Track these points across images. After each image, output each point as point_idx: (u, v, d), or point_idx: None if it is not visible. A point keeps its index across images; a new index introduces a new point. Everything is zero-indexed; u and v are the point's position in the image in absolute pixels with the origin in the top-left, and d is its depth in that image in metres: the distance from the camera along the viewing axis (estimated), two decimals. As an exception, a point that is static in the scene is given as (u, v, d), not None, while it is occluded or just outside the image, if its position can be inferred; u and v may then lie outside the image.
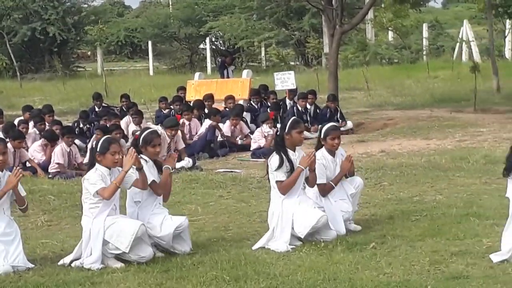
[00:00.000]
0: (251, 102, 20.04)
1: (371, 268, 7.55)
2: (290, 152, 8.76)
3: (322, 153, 9.20)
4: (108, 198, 8.03)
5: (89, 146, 14.47)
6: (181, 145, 14.96)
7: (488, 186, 11.39)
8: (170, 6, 51.88)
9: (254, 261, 7.97)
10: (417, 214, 9.80)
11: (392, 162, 13.82)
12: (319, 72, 28.95)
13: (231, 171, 13.92)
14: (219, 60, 27.99)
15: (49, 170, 14.01)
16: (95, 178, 8.10)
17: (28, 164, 14.40)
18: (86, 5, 48.71)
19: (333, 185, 9.15)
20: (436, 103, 23.47)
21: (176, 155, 8.95)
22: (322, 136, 9.28)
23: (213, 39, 46.01)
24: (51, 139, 14.67)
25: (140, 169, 8.24)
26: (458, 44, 37.53)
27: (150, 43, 45.13)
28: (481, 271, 7.30)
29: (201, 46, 47.33)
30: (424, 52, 38.23)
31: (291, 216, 8.59)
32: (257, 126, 17.29)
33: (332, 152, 9.25)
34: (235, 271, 7.60)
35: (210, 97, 19.00)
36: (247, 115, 18.87)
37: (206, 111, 17.90)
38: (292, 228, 8.60)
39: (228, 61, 25.59)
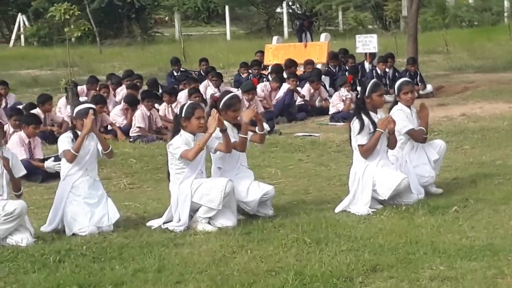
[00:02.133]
0: (329, 66, 19.95)
1: (454, 232, 7.47)
2: (372, 114, 8.71)
3: (400, 106, 9.18)
4: (191, 159, 8.06)
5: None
6: (260, 109, 14.98)
7: None
8: (248, -29, 51.73)
9: (335, 224, 7.96)
10: (500, 177, 9.66)
11: (474, 126, 13.64)
12: (397, 36, 28.61)
13: (310, 135, 13.91)
14: (297, 23, 27.79)
15: (130, 134, 14.18)
16: (179, 143, 8.15)
17: (109, 128, 14.62)
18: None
19: (424, 130, 9.10)
20: (518, 65, 23.04)
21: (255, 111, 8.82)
22: (396, 93, 9.27)
23: (290, 3, 45.77)
24: (131, 103, 14.84)
25: (224, 130, 8.24)
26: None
27: (227, 7, 45.15)
28: None
29: (278, 10, 47.13)
30: (506, 14, 37.43)
31: (372, 178, 8.55)
32: (335, 90, 17.23)
33: (408, 107, 9.19)
34: (316, 233, 7.60)
35: (293, 63, 18.90)
36: (325, 79, 18.82)
37: (285, 75, 17.87)
38: (375, 191, 8.56)
39: (306, 25, 25.45)
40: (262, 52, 21.76)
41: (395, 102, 9.29)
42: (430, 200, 8.72)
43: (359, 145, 8.63)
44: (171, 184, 8.29)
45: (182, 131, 8.24)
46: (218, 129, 8.15)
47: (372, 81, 9.01)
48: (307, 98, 16.89)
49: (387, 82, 18.53)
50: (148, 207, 9.20)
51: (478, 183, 9.49)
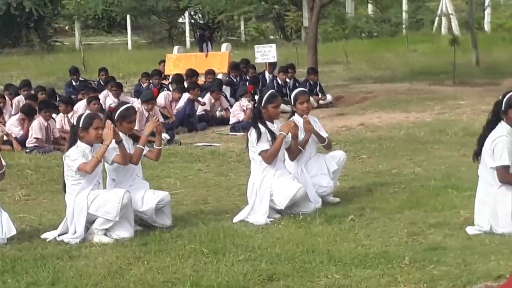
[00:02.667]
0: (230, 76, 19.99)
1: (350, 240, 7.55)
2: (269, 124, 8.75)
3: (296, 118, 9.22)
4: (90, 172, 7.97)
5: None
6: (160, 119, 14.87)
7: (466, 158, 11.34)
8: (148, -21, 51.45)
9: (232, 234, 7.96)
10: (396, 186, 9.82)
11: (371, 135, 13.84)
12: (298, 46, 28.87)
13: (210, 145, 13.90)
14: (198, 34, 27.80)
15: (27, 145, 13.93)
16: (76, 155, 8.03)
17: (5, 138, 14.29)
18: (63, -21, 48.22)
19: (301, 149, 9.12)
20: (415, 76, 23.49)
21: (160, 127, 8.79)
22: (292, 102, 9.33)
23: (192, 13, 45.71)
24: (28, 113, 14.57)
25: (119, 142, 8.17)
26: (437, 17, 37.51)
27: (128, 17, 44.79)
28: (458, 242, 7.32)
29: (180, 20, 47.02)
30: (404, 26, 38.18)
31: (269, 188, 8.59)
32: (236, 100, 17.26)
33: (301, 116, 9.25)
34: (213, 244, 7.59)
35: (194, 73, 18.86)
36: (226, 89, 18.82)
37: (186, 85, 17.81)
38: (272, 201, 8.60)
39: (207, 35, 25.48)
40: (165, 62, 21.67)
41: (293, 113, 9.35)
42: (327, 209, 8.80)
43: (262, 151, 8.64)
44: (67, 195, 8.16)
45: (79, 142, 8.12)
46: (114, 140, 8.07)
47: (269, 92, 9.04)
48: (208, 108, 16.88)
49: (288, 92, 18.64)
50: (43, 219, 9.03)
51: (374, 192, 9.62)
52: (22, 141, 14.12)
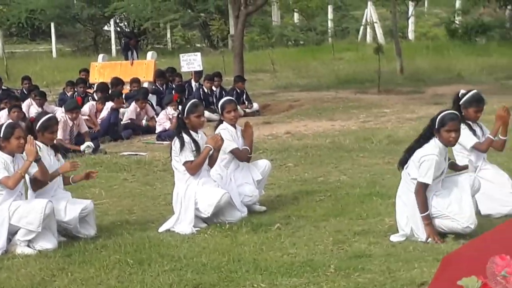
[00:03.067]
0: (156, 84, 19.90)
1: (276, 249, 7.55)
2: (193, 133, 8.74)
3: (225, 125, 9.25)
4: (12, 188, 7.85)
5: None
6: (84, 128, 14.72)
7: (390, 166, 11.49)
8: (73, -13, 50.97)
9: (158, 244, 7.90)
10: (322, 194, 9.87)
11: (297, 143, 13.89)
12: (225, 54, 28.90)
13: (136, 154, 13.79)
14: (124, 42, 27.60)
15: None
16: None
17: None
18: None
19: (249, 150, 9.22)
20: (341, 84, 23.72)
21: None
22: (220, 111, 9.35)
23: (118, 21, 45.40)
24: None
25: (37, 160, 8.03)
26: (362, 26, 37.95)
27: (52, 24, 44.29)
28: (383, 249, 7.38)
29: (106, 28, 46.66)
30: (330, 34, 38.55)
31: (193, 197, 8.56)
32: (162, 109, 17.18)
33: (232, 125, 9.27)
34: (139, 254, 7.52)
35: (119, 81, 18.74)
36: (152, 98, 18.73)
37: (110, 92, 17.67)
38: (197, 209, 8.57)
39: (132, 43, 25.30)
40: (87, 71, 21.45)
41: (220, 121, 9.34)
42: (253, 217, 8.79)
43: (186, 162, 8.61)
44: None
45: (0, 153, 7.97)
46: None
47: (190, 102, 9.00)
48: (133, 117, 16.76)
49: (214, 100, 18.64)
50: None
51: (301, 200, 9.65)
52: None
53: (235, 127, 9.32)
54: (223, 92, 19.19)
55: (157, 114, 17.14)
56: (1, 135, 7.97)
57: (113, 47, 42.55)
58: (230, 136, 9.15)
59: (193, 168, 8.64)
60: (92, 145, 14.13)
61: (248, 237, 8.00)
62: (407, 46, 30.15)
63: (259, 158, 10.50)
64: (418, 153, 7.63)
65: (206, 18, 41.20)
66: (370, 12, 36.75)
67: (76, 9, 44.95)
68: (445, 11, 39.89)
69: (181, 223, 8.52)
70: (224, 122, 9.29)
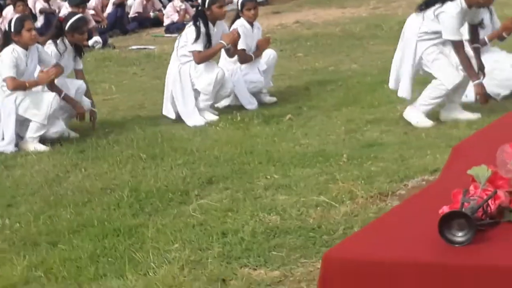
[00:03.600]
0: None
1: (288, 140, 7.53)
2: (210, 25, 8.62)
3: (241, 22, 9.12)
4: (10, 89, 7.84)
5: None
6: (91, 23, 14.58)
7: (402, 53, 11.43)
8: None
9: (170, 138, 7.90)
10: (333, 84, 9.81)
11: (307, 33, 13.77)
12: None
13: (145, 48, 13.72)
14: None
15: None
16: (9, 61, 7.85)
17: None
18: None
19: (252, 56, 9.08)
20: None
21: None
22: (239, 8, 9.19)
23: None
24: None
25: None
26: None
27: None
28: (395, 137, 7.34)
29: None
30: None
31: (188, 79, 8.54)
32: (170, 1, 16.98)
33: (250, 23, 9.15)
34: (151, 149, 7.52)
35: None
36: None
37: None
38: (196, 91, 8.58)
39: None
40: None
41: (237, 16, 9.21)
42: (264, 109, 8.77)
43: (195, 51, 8.53)
44: None
45: (14, 45, 7.93)
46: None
47: None
48: (140, 10, 16.57)
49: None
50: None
51: (312, 90, 9.60)
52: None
53: (252, 25, 9.19)
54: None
55: (165, 7, 16.96)
56: (12, 29, 7.93)
57: None
58: (243, 34, 9.01)
59: (200, 58, 8.57)
60: (100, 40, 14.04)
61: (260, 129, 7.99)
62: None
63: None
64: (439, 7, 7.43)
65: None
66: None
67: None
68: None
69: (192, 116, 8.50)
70: (241, 18, 9.16)
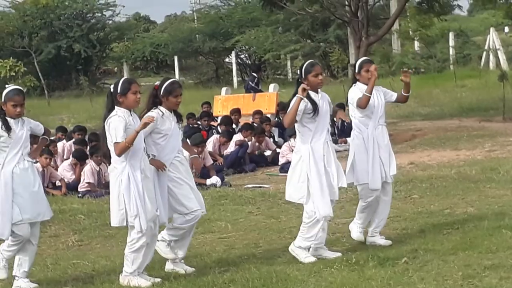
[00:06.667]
0: (279, 116, 20.00)
1: (404, 284, 7.47)
2: (312, 94, 8.75)
3: (358, 86, 9.27)
4: (119, 155, 7.93)
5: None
6: (209, 161, 14.95)
7: (519, 197, 11.31)
8: (195, 21, 52.06)
9: (285, 278, 7.93)
10: (448, 227, 9.72)
11: (422, 174, 13.74)
12: (345, 83, 28.80)
13: (260, 187, 13.90)
14: (253, 76, 26.67)
15: (79, 189, 14.06)
16: (117, 124, 7.98)
17: (58, 184, 14.48)
18: (110, 21, 49.13)
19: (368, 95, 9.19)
20: (464, 112, 23.34)
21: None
22: (357, 70, 9.32)
23: (238, 53, 46.07)
24: (80, 158, 14.75)
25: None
26: (485, 52, 37.30)
27: (176, 58, 45.30)
28: (515, 285, 7.21)
29: (227, 60, 47.40)
30: (451, 61, 38.00)
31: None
32: (285, 141, 17.27)
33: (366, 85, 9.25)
34: (266, 289, 7.57)
35: (237, 111, 19.05)
36: (274, 130, 18.86)
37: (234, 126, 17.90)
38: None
39: (259, 75, 25.06)
40: (209, 103, 21.77)
41: (355, 80, 9.39)
42: (380, 251, 8.73)
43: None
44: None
45: (117, 108, 8.08)
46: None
47: (308, 61, 9.00)
48: (251, 150, 16.90)
49: (336, 131, 18.64)
50: (96, 265, 9.06)
51: (427, 233, 9.53)
52: (74, 185, 14.28)
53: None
54: (345, 123, 19.14)
55: (279, 146, 17.24)
56: (119, 91, 8.11)
57: (235, 79, 43.15)
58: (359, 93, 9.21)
59: (285, 120, 9.02)
60: (220, 181, 14.31)
61: (375, 272, 7.94)
62: (532, 72, 29.42)
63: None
64: None
65: (326, 48, 41.28)
66: (493, 38, 36.14)
67: (198, 42, 45.88)
68: None
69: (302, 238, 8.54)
70: (358, 81, 9.29)
